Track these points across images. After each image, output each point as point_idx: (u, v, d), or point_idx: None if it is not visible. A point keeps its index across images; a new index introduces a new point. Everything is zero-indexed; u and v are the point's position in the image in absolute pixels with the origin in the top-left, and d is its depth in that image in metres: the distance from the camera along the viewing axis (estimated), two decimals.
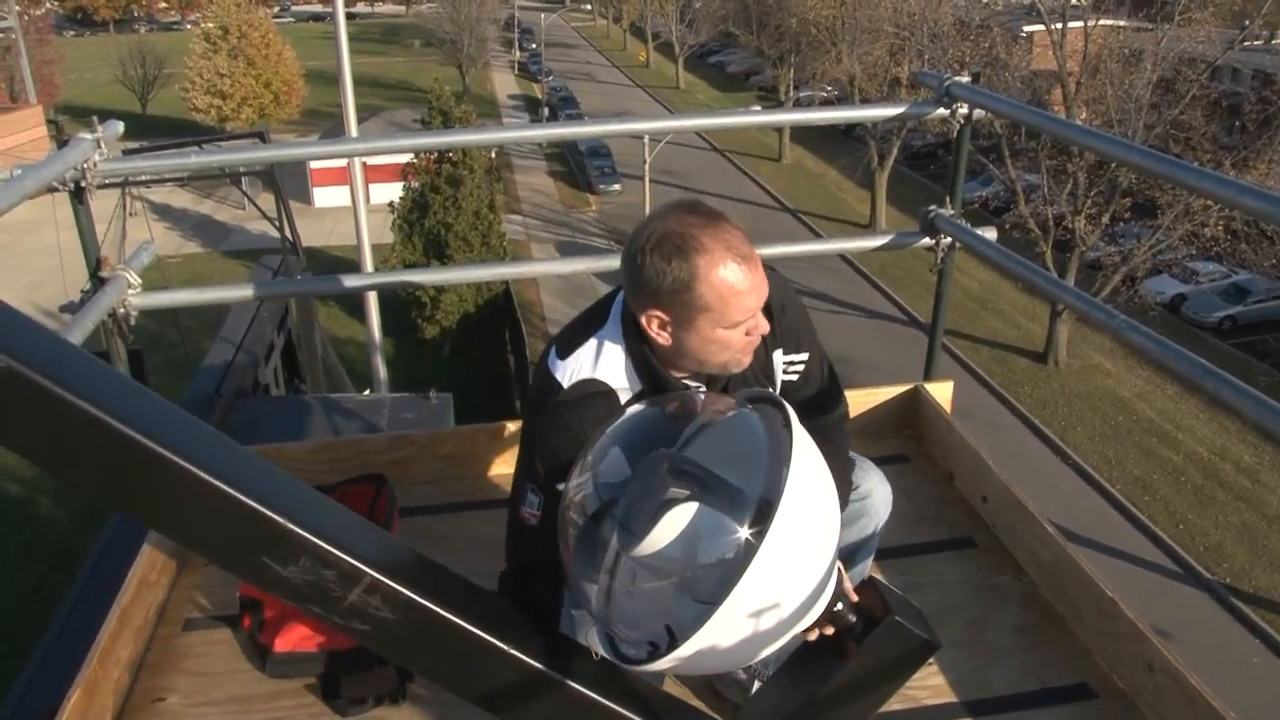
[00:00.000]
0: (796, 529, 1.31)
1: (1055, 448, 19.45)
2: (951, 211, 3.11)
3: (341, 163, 21.31)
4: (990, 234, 3.01)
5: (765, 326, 1.70)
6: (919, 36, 29.17)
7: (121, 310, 3.02)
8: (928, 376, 3.24)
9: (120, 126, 3.25)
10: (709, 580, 1.33)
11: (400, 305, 23.06)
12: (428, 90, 27.53)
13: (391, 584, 1.36)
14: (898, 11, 31.54)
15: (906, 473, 2.94)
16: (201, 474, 1.24)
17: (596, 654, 1.55)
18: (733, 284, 1.60)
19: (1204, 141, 23.03)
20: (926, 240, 3.17)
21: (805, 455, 1.35)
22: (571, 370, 1.74)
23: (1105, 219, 22.50)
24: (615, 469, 1.45)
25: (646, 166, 29.01)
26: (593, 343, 1.77)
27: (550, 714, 1.53)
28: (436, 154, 23.05)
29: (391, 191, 25.45)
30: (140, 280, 3.04)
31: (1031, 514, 2.51)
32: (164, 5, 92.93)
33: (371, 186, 23.54)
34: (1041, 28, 26.11)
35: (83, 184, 2.89)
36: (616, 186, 36.18)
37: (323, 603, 1.35)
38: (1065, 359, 22.42)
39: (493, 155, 30.21)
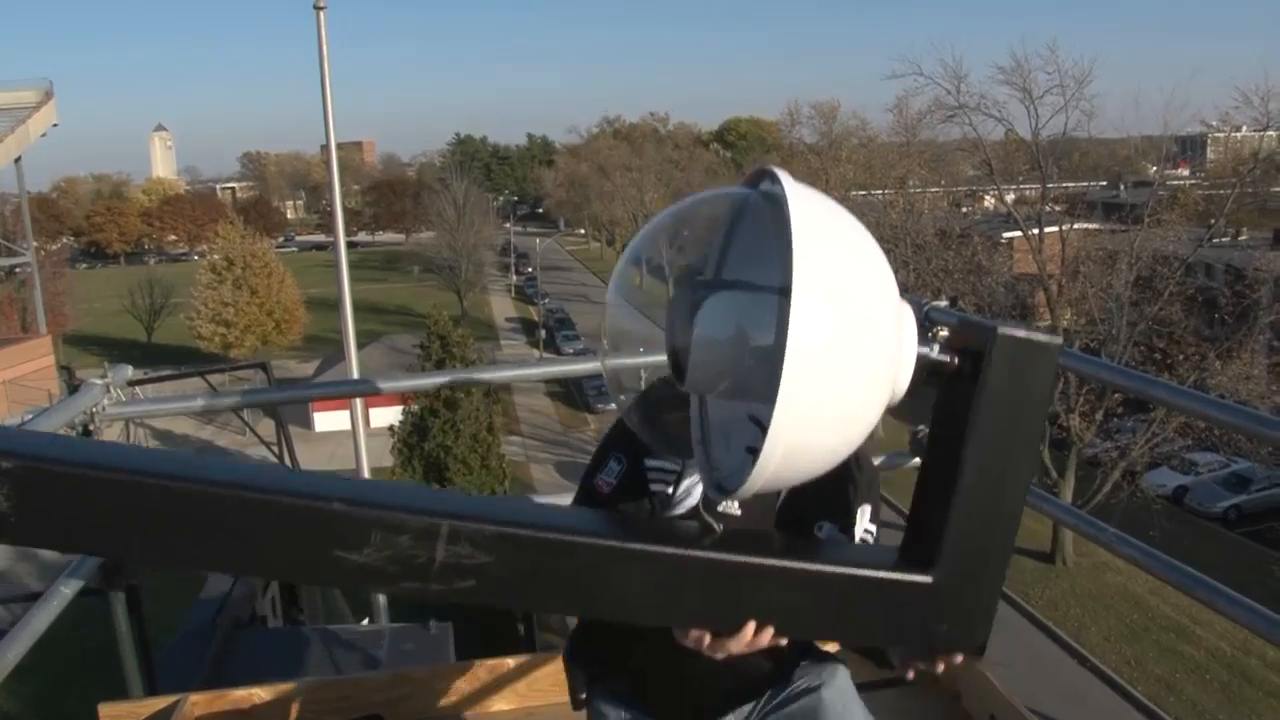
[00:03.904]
0: (823, 284, 1.23)
1: (1071, 650, 18.94)
2: None
3: None
4: None
5: None
6: (903, 248, 30.24)
7: None
8: None
9: (129, 370, 3.35)
10: (766, 363, 1.25)
11: None
12: (427, 315, 28.29)
13: (471, 524, 1.29)
14: (880, 225, 32.76)
15: (910, 694, 2.89)
16: (240, 493, 1.23)
17: (718, 527, 1.47)
18: None
19: (1187, 335, 23.58)
20: (917, 461, 3.22)
21: (805, 219, 1.26)
22: None
23: (1099, 416, 22.71)
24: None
25: (643, 384, 29.44)
26: None
27: (691, 593, 1.42)
28: None
29: (391, 415, 25.74)
30: None
31: None
32: (173, 238, 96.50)
33: (371, 411, 23.85)
34: (1020, 234, 27.11)
35: (91, 427, 2.96)
36: (614, 405, 36.38)
37: (414, 574, 1.27)
38: (1073, 558, 22.15)
39: None
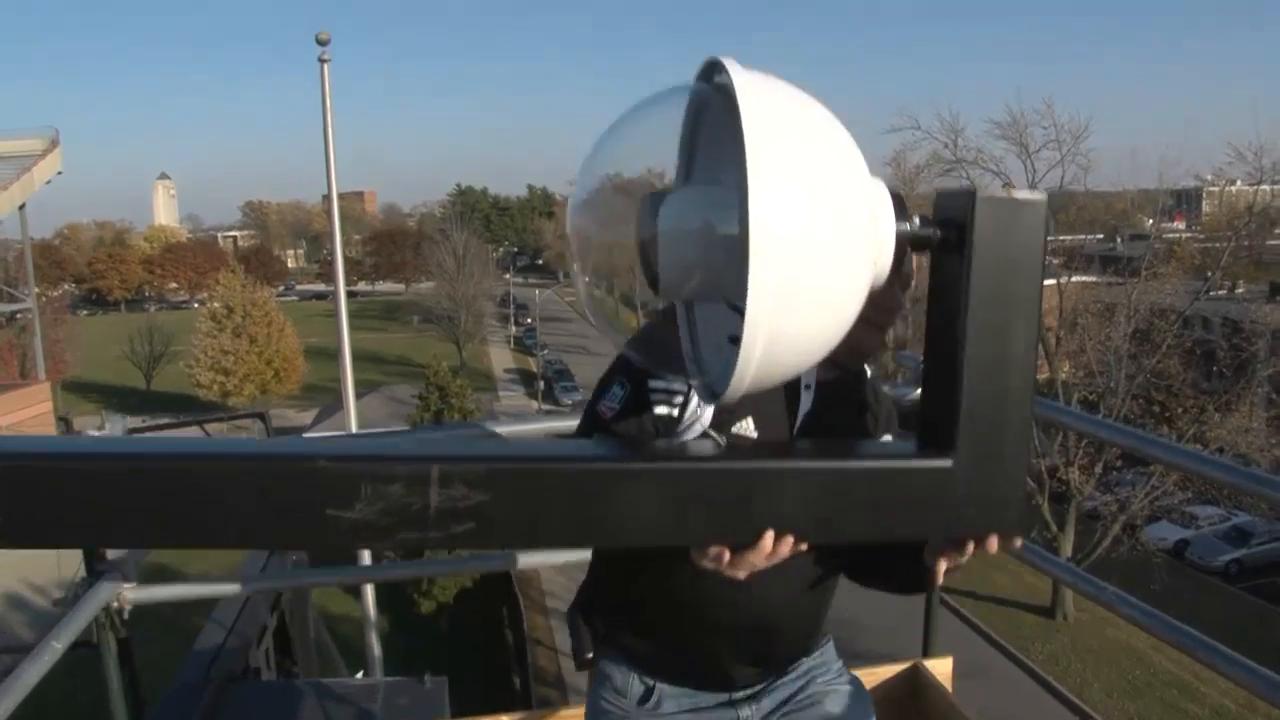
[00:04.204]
0: (779, 165, 1.19)
1: (1072, 706, 18.72)
2: None
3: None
4: None
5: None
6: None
7: (115, 604, 3.01)
8: (926, 653, 3.21)
9: (126, 421, 3.34)
10: (736, 254, 1.20)
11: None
12: (426, 365, 28.28)
13: (461, 464, 1.24)
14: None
15: None
16: (225, 463, 1.22)
17: (719, 441, 1.43)
18: None
19: (1185, 388, 23.58)
20: None
21: (755, 103, 1.21)
22: None
23: (1098, 469, 22.65)
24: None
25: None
26: None
27: (700, 507, 1.34)
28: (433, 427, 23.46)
29: None
30: (136, 573, 3.05)
31: None
32: (174, 286, 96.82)
33: None
34: None
35: None
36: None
37: (410, 524, 1.23)
38: (1074, 613, 21.96)
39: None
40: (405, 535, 1.25)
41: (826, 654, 1.98)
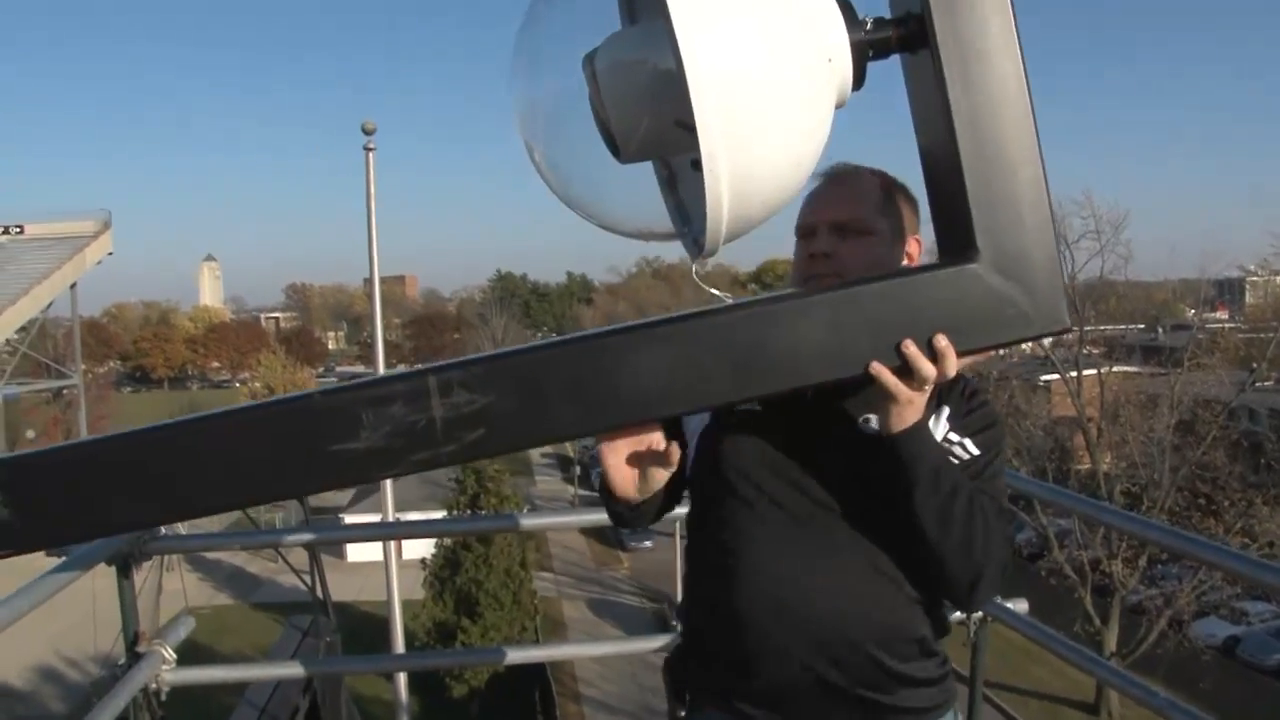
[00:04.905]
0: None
1: None
2: None
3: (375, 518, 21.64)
4: (1022, 606, 2.99)
5: (822, 245, 1.55)
6: None
7: (154, 686, 3.00)
8: None
9: None
10: (679, 87, 1.14)
11: None
12: None
13: (457, 370, 1.22)
14: None
15: None
16: (221, 423, 1.24)
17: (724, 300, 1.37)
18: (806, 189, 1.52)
19: (1231, 481, 23.12)
20: (958, 614, 3.13)
21: None
22: None
23: (1142, 561, 22.15)
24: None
25: (678, 524, 29.13)
26: None
27: (721, 361, 1.27)
28: (469, 511, 23.42)
29: (424, 547, 25.54)
30: (175, 655, 3.04)
31: None
32: (216, 365, 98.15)
33: (404, 542, 23.72)
34: (1058, 377, 26.99)
35: (130, 560, 2.96)
36: (648, 543, 34.39)
37: (421, 443, 1.21)
38: (1120, 711, 21.29)
39: (524, 511, 30.61)
40: (419, 455, 1.22)
41: None
